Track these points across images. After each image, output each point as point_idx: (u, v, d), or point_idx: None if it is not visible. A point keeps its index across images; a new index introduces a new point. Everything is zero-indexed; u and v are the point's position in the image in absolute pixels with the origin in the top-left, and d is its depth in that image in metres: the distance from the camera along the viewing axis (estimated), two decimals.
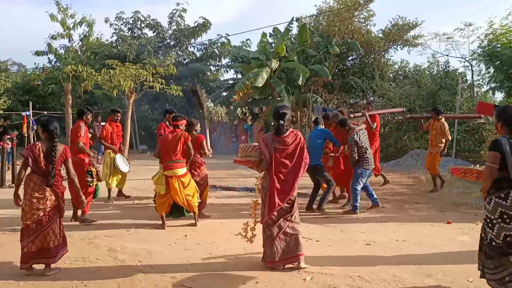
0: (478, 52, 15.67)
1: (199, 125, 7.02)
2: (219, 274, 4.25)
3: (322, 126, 7.59)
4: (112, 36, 23.11)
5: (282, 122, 4.36)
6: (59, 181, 4.31)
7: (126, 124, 10.79)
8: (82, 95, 16.26)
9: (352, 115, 8.93)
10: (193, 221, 6.23)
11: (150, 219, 6.57)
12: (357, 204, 6.89)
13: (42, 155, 4.19)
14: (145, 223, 6.37)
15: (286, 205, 4.31)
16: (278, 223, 4.31)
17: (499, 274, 3.45)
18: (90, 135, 7.02)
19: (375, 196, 7.07)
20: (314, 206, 7.16)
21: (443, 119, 8.73)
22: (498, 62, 14.13)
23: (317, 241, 5.42)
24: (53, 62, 24.85)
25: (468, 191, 8.54)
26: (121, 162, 8.02)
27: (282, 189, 4.28)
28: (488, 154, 3.55)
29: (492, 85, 15.23)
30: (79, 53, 24.60)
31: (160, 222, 6.15)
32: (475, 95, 17.21)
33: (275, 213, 4.29)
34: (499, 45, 14.15)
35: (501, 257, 3.42)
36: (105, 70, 12.13)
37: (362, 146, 6.86)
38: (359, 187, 6.90)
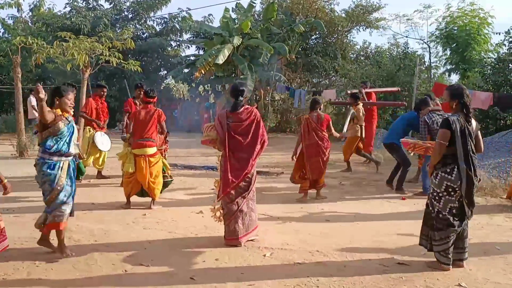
0: (436, 34, 16.12)
1: (321, 105, 6.72)
2: (178, 252, 4.20)
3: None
4: (65, 7, 21.89)
5: (239, 98, 4.36)
6: None
7: (81, 100, 10.28)
8: (33, 69, 15.31)
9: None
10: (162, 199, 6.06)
11: (109, 199, 6.37)
12: (427, 187, 6.63)
13: None
14: (103, 203, 6.17)
15: (243, 183, 4.28)
16: (236, 201, 4.29)
17: (444, 245, 3.70)
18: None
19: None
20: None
21: (360, 105, 8.86)
22: (455, 45, 14.61)
23: (278, 218, 5.46)
24: (0, 33, 23.31)
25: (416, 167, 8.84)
26: (101, 140, 7.48)
27: (237, 166, 4.27)
28: (439, 131, 3.69)
29: (448, 67, 15.76)
30: (30, 24, 23.14)
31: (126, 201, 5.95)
32: (432, 76, 17.76)
33: (233, 191, 4.27)
34: (455, 28, 14.58)
35: (447, 228, 3.67)
36: (58, 42, 11.43)
37: (434, 128, 6.45)
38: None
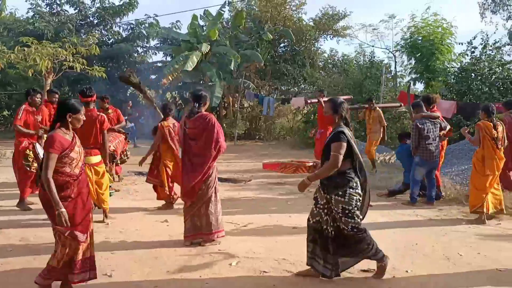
0: (401, 44, 16.52)
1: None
2: (142, 262, 4.05)
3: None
4: (28, 11, 21.16)
5: (196, 104, 4.55)
6: None
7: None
8: None
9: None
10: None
11: None
12: (415, 196, 6.46)
13: None
14: None
15: (203, 186, 4.46)
16: (192, 201, 4.50)
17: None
18: (36, 117, 6.33)
19: (433, 194, 6.56)
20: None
21: (378, 108, 9.34)
22: (419, 54, 14.99)
23: (244, 226, 5.38)
24: None
25: (389, 175, 8.96)
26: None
27: (191, 169, 4.47)
28: (333, 144, 3.45)
29: (413, 76, 16.17)
30: None
31: None
32: (398, 85, 18.20)
33: (191, 192, 4.48)
34: (420, 38, 14.99)
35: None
36: (19, 48, 11.05)
37: (424, 134, 6.28)
38: (418, 177, 6.44)
